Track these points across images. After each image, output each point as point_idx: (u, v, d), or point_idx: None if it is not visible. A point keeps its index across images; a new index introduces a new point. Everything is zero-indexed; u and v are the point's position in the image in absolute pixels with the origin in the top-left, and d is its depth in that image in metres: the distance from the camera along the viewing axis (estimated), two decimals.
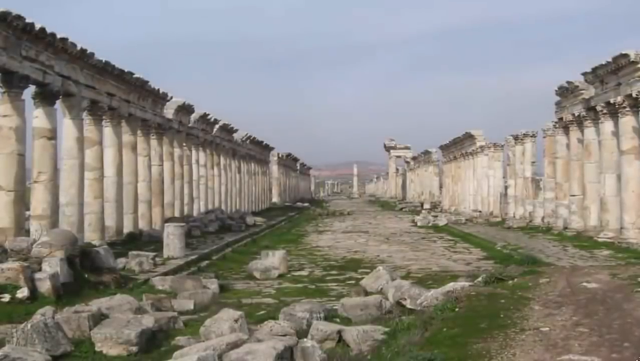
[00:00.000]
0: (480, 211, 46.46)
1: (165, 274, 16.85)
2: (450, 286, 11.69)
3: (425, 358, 7.56)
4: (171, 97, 32.00)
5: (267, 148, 64.86)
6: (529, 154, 39.23)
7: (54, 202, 19.68)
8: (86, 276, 14.24)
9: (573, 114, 29.23)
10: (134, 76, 26.15)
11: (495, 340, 8.11)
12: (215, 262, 21.44)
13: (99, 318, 10.08)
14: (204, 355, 8.12)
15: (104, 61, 22.83)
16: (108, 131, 25.18)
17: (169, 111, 32.19)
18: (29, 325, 9.07)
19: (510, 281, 12.07)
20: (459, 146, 54.18)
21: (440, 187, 66.34)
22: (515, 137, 40.30)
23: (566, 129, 30.65)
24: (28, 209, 19.73)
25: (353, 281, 17.36)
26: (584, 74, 27.08)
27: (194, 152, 37.79)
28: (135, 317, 10.30)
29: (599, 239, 25.02)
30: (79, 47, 20.66)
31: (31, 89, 19.20)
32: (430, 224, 40.71)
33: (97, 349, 9.43)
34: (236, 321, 9.85)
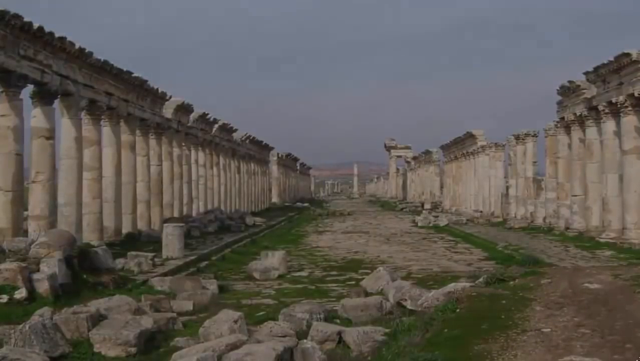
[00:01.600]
0: (481, 211, 46.39)
1: (164, 274, 16.78)
2: (451, 286, 11.63)
3: (426, 359, 7.52)
4: (170, 97, 31.93)
5: (267, 148, 64.80)
6: (530, 154, 39.13)
7: (52, 202, 19.61)
8: (85, 276, 14.16)
9: (575, 114, 29.15)
10: (133, 75, 26.08)
11: (496, 341, 8.06)
12: (215, 263, 21.37)
13: (97, 319, 10.03)
14: (203, 356, 8.07)
15: (102, 60, 22.77)
16: (106, 130, 25.13)
17: (167, 111, 32.13)
18: (27, 326, 9.03)
19: (511, 282, 12.01)
20: (460, 146, 54.13)
21: (441, 187, 66.24)
22: (517, 137, 40.21)
23: (568, 129, 30.56)
24: (26, 209, 19.67)
25: (353, 282, 17.30)
26: (586, 73, 27.02)
27: (193, 152, 37.73)
28: (134, 318, 10.24)
29: (601, 240, 24.93)
30: (77, 46, 20.59)
31: (29, 88, 19.15)
32: (431, 225, 40.65)
33: (95, 350, 9.40)
34: (235, 322, 9.80)
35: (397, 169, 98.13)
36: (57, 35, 19.18)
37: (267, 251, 20.86)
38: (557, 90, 30.98)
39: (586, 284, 11.32)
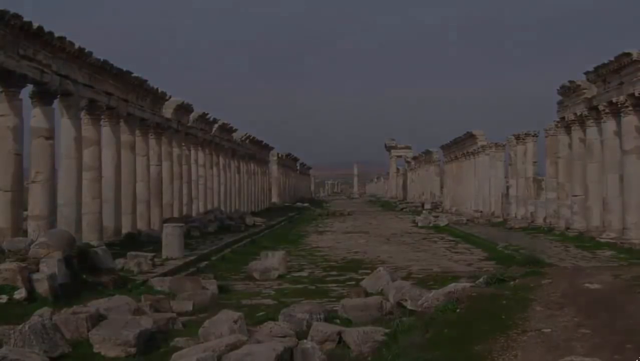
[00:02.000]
0: (481, 212, 46.39)
1: (164, 275, 16.76)
2: (451, 287, 11.58)
3: (426, 360, 7.49)
4: (170, 97, 31.93)
5: (267, 148, 64.80)
6: (530, 154, 39.13)
7: (51, 202, 19.60)
8: (84, 276, 14.14)
9: (575, 114, 29.13)
10: (133, 75, 26.07)
11: (496, 342, 8.04)
12: (215, 263, 21.35)
13: (97, 319, 10.00)
14: (203, 356, 8.05)
15: (102, 59, 22.76)
16: (106, 130, 25.11)
17: (167, 111, 32.13)
18: (26, 326, 9.00)
19: (511, 282, 11.97)
20: (460, 146, 54.13)
21: (441, 187, 66.23)
22: (517, 137, 40.21)
23: (568, 129, 30.54)
24: (26, 209, 19.65)
25: (353, 282, 17.27)
26: (586, 73, 27.01)
27: (192, 152, 37.72)
28: (134, 318, 10.21)
29: (601, 240, 24.92)
30: (76, 46, 20.58)
31: (29, 88, 19.14)
32: (431, 225, 40.63)
33: (95, 350, 9.37)
34: (235, 322, 9.76)
35: (397, 169, 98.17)
36: (56, 35, 19.16)
37: (267, 251, 20.85)
38: (558, 90, 30.96)
39: (586, 285, 11.29)
